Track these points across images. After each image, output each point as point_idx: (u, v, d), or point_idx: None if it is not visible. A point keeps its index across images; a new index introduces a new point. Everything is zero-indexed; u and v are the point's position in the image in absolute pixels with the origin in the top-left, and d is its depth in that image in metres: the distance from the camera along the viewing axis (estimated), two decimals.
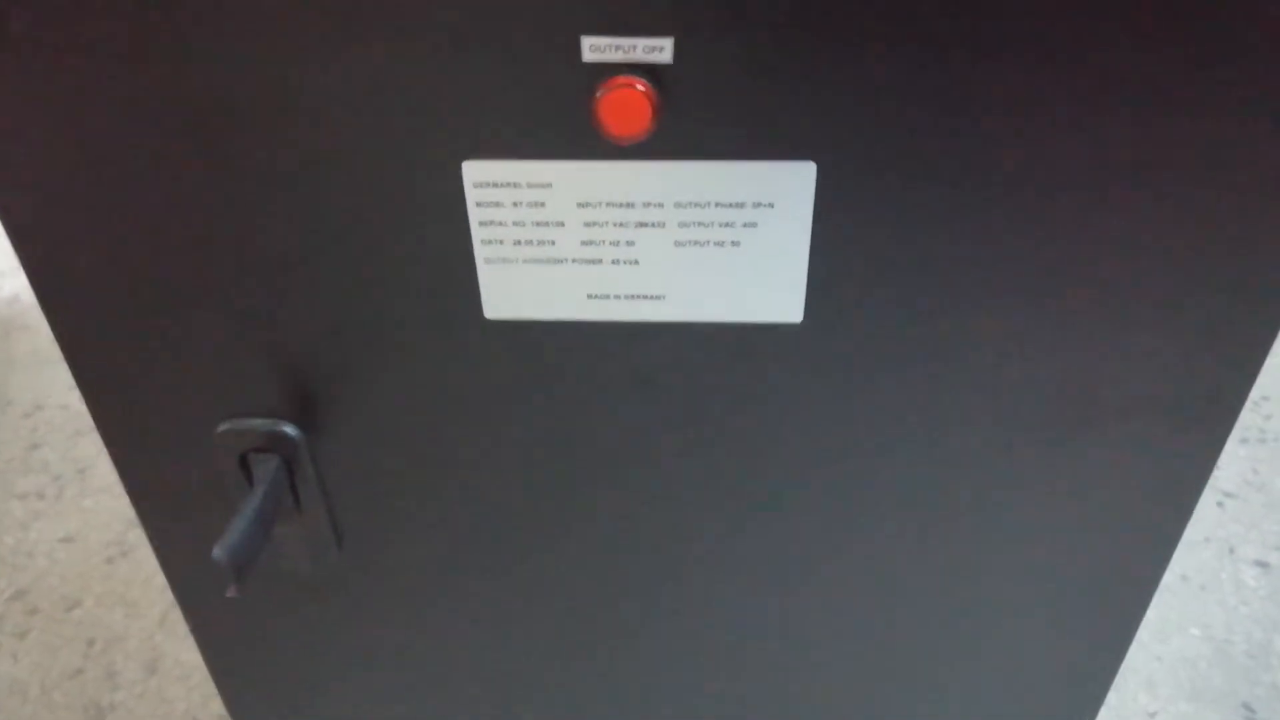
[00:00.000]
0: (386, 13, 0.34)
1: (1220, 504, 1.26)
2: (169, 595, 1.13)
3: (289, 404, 0.47)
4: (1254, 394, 1.41)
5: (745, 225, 0.39)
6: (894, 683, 0.56)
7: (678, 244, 0.39)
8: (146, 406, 0.47)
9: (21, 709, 1.02)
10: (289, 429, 0.47)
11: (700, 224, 0.39)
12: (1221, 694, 1.04)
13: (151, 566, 1.16)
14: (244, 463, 0.48)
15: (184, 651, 1.07)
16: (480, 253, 0.40)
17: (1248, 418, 1.37)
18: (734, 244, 0.39)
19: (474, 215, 0.39)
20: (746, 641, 0.54)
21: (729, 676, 0.56)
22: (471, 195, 0.39)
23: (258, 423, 0.47)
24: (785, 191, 0.38)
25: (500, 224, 0.39)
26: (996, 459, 0.45)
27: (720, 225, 0.39)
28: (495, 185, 0.38)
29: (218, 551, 0.43)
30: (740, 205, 0.38)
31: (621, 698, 0.58)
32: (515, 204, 0.39)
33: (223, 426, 0.47)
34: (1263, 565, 1.18)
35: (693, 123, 0.36)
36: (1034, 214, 0.38)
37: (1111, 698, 1.05)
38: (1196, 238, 0.38)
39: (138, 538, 1.20)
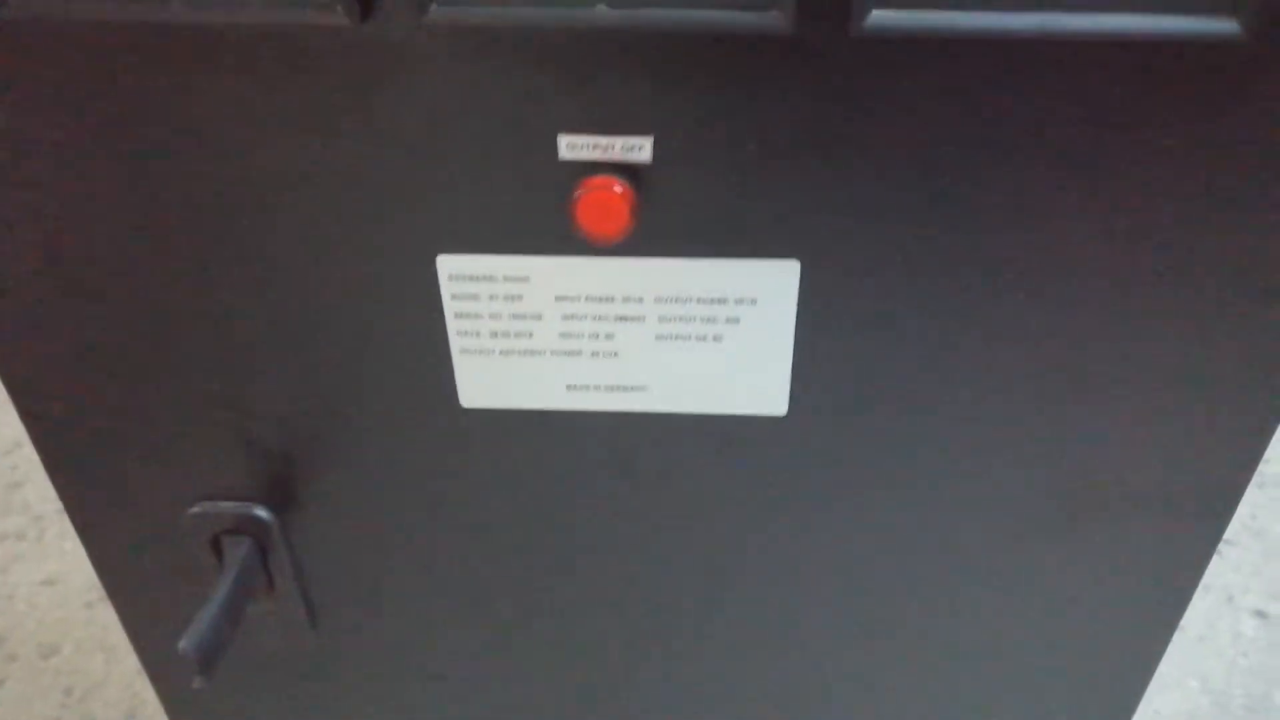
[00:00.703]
0: (363, 109, 0.33)
1: (1219, 552, 1.24)
2: None
3: (262, 487, 0.45)
4: None
5: (728, 320, 0.38)
6: None
7: (659, 338, 0.38)
8: (117, 490, 0.46)
9: None
10: (261, 511, 0.46)
11: (681, 319, 0.38)
12: None
13: None
14: (216, 544, 0.47)
15: None
16: (456, 343, 0.39)
17: None
18: (716, 339, 0.38)
19: (449, 307, 0.38)
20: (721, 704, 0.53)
21: None
22: (447, 288, 0.37)
23: (229, 506, 0.46)
24: (768, 288, 0.37)
25: (476, 316, 0.38)
26: (989, 552, 0.44)
27: (702, 320, 0.38)
28: (471, 279, 0.37)
29: (184, 644, 0.41)
30: (722, 301, 0.37)
31: None
32: (492, 297, 0.38)
33: (194, 509, 0.46)
34: (1262, 615, 1.16)
35: (673, 220, 0.35)
36: (1023, 312, 0.37)
37: None
38: (1189, 341, 0.37)
39: None
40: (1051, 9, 0.29)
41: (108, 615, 1.14)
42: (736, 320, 0.38)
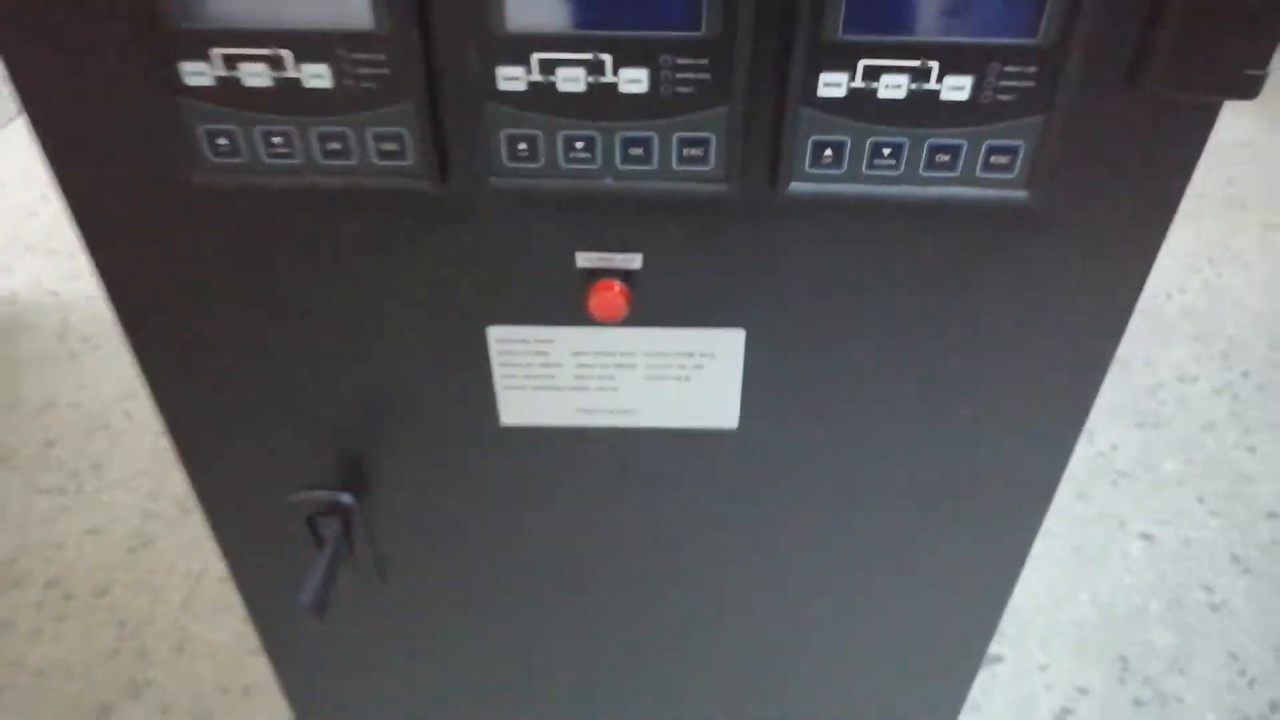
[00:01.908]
0: (442, 241, 0.48)
1: (1114, 483, 1.44)
2: (190, 581, 1.27)
3: (347, 479, 0.61)
4: (1149, 381, 1.59)
5: (695, 367, 0.53)
6: (822, 667, 0.73)
7: (646, 378, 0.54)
8: (238, 481, 0.61)
9: (69, 685, 1.16)
10: (346, 498, 0.61)
11: (662, 366, 0.53)
12: (1102, 650, 1.23)
13: (172, 556, 1.30)
14: (310, 523, 0.63)
15: (208, 631, 1.22)
16: (499, 382, 0.54)
17: (1144, 403, 1.55)
18: (687, 379, 0.54)
19: (495, 359, 0.53)
20: (700, 658, 0.70)
21: (689, 681, 0.72)
22: (494, 347, 0.53)
23: (322, 494, 0.61)
24: (723, 347, 0.52)
25: (514, 365, 0.53)
26: (882, 521, 0.61)
27: (677, 367, 0.53)
28: (512, 341, 0.52)
29: (305, 598, 0.57)
30: (691, 355, 0.53)
31: (602, 697, 0.74)
32: (526, 352, 0.53)
33: (296, 496, 0.61)
34: (1147, 538, 1.36)
35: (656, 304, 0.50)
36: (890, 370, 0.53)
37: (1011, 654, 1.23)
38: (1003, 396, 0.53)
39: (155, 529, 1.34)
40: (909, 184, 0.44)
41: (150, 559, 1.29)
42: (701, 367, 0.53)
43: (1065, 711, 1.17)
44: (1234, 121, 2.16)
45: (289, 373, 0.55)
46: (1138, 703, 1.18)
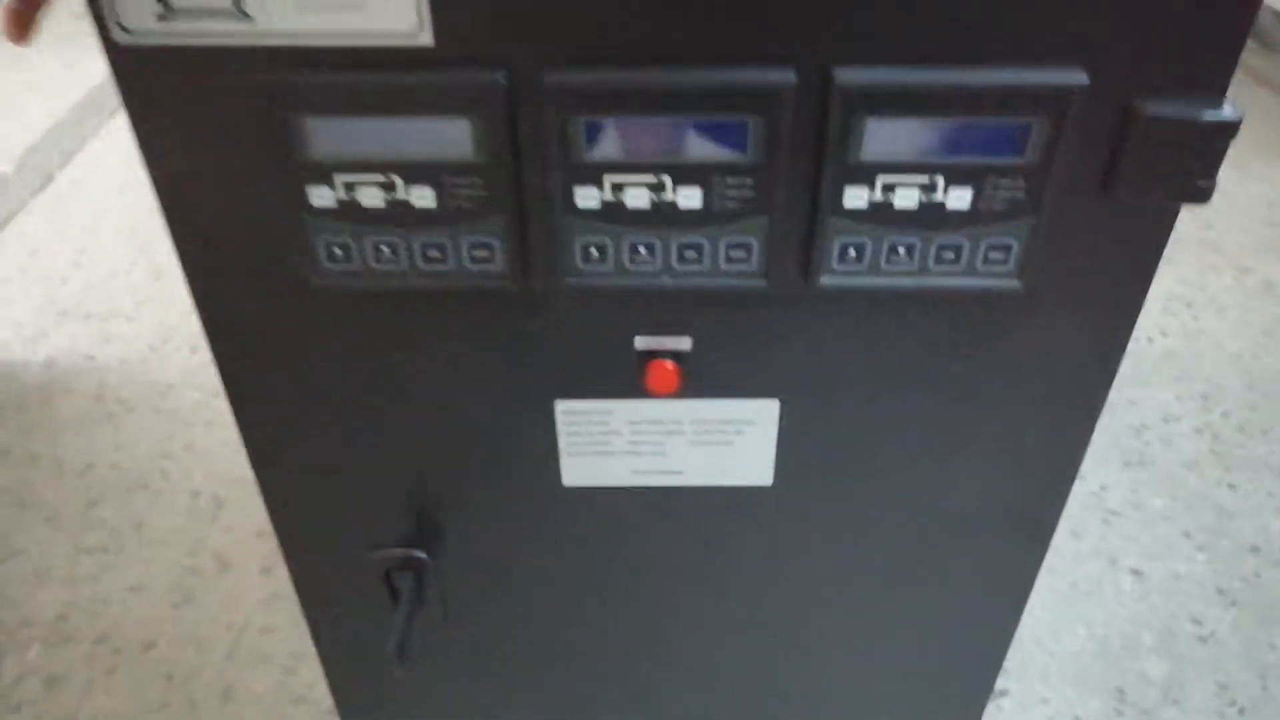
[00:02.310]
0: (522, 331, 0.56)
1: (1106, 520, 1.51)
2: (233, 634, 1.33)
3: (423, 537, 0.68)
4: (1135, 422, 1.68)
5: (735, 433, 0.61)
6: (843, 698, 0.80)
7: (691, 443, 0.62)
8: (320, 539, 0.68)
9: None
10: (420, 554, 0.69)
11: (706, 433, 0.61)
12: (1100, 681, 1.30)
13: (214, 609, 1.36)
14: (387, 577, 0.70)
15: (252, 682, 1.28)
16: (563, 448, 0.62)
17: (1130, 443, 1.64)
18: (727, 443, 0.62)
19: (561, 429, 0.61)
20: (733, 683, 0.77)
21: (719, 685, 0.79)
22: (560, 419, 0.60)
23: (398, 551, 0.68)
24: (760, 416, 0.60)
25: (577, 433, 0.61)
26: (898, 563, 0.68)
27: (719, 434, 0.61)
28: (576, 413, 0.60)
29: (390, 649, 0.64)
30: (732, 422, 0.60)
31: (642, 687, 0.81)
32: (588, 422, 0.61)
33: (375, 554, 0.68)
34: (1137, 573, 1.44)
35: (703, 379, 0.58)
36: (901, 427, 0.61)
37: (1015, 687, 1.30)
38: (1000, 440, 0.61)
39: (195, 584, 1.40)
40: (920, 276, 0.53)
41: (193, 614, 1.35)
42: (741, 433, 0.61)
43: None
44: None
45: (377, 443, 0.62)
46: None
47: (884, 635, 0.75)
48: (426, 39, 0.46)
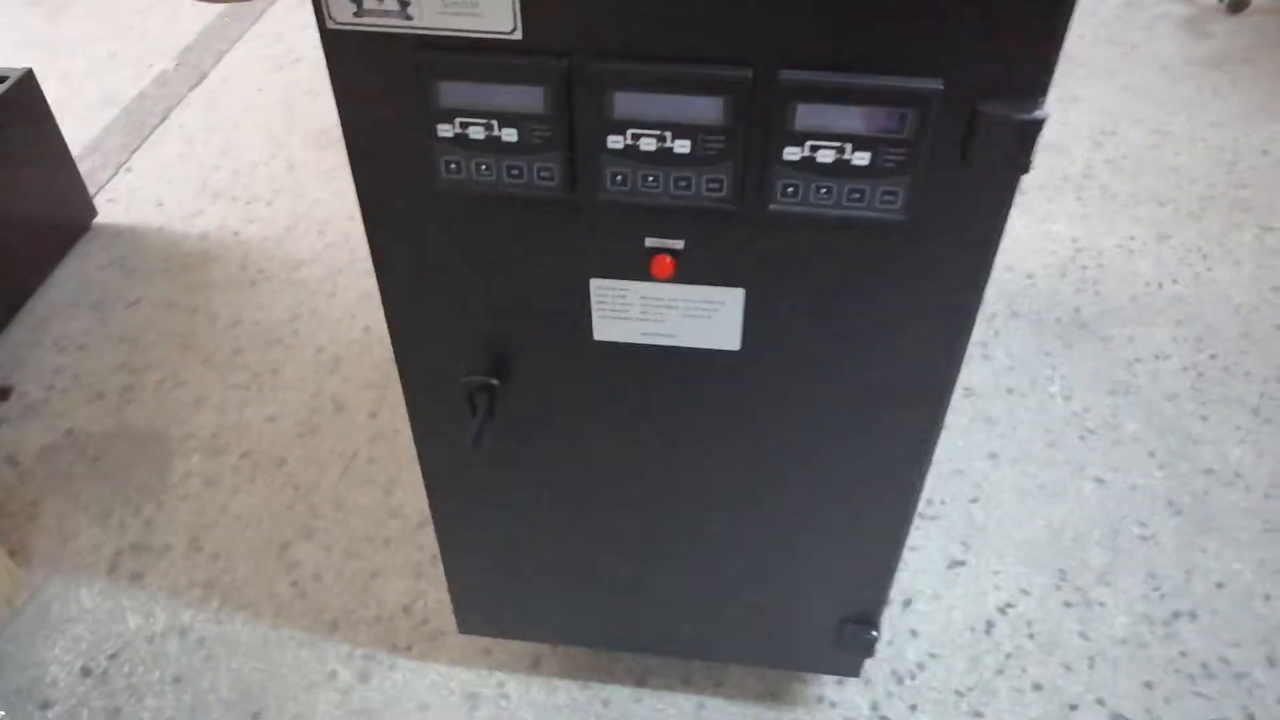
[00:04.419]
0: (570, 237, 0.83)
1: (1082, 437, 1.74)
2: (345, 460, 1.67)
3: (496, 368, 0.97)
4: (1129, 356, 1.88)
5: (713, 310, 0.88)
6: (772, 547, 1.08)
7: (682, 315, 0.89)
8: (428, 367, 0.98)
9: (260, 526, 1.57)
10: (494, 380, 0.98)
11: (692, 308, 0.88)
12: (1046, 562, 1.55)
13: (331, 440, 1.70)
14: (470, 395, 0.99)
15: (359, 497, 1.62)
16: (595, 312, 0.90)
17: (1119, 374, 1.84)
18: (708, 316, 0.89)
19: (594, 299, 0.89)
20: (708, 503, 1.06)
21: (698, 532, 1.08)
22: (594, 292, 0.88)
23: (479, 377, 0.98)
24: (730, 299, 0.87)
25: (605, 303, 0.89)
26: (831, 411, 0.95)
27: (701, 310, 0.88)
28: (605, 289, 0.88)
29: (469, 440, 0.94)
30: (711, 302, 0.87)
31: (640, 533, 1.11)
32: (612, 296, 0.88)
33: (465, 378, 0.98)
34: (1100, 481, 1.67)
35: (690, 272, 0.85)
36: (843, 318, 0.87)
37: (973, 560, 1.56)
38: (909, 337, 0.87)
39: (318, 420, 1.74)
40: (837, 209, 0.78)
41: (315, 441, 1.70)
42: (717, 310, 0.88)
43: (1008, 605, 1.50)
44: (1253, 129, 2.39)
45: (471, 301, 0.91)
46: (1067, 604, 1.50)
47: (816, 480, 1.02)
48: (519, 35, 0.73)
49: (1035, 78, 0.71)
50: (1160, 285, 2.03)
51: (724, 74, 0.73)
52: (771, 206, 0.79)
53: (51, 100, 1.99)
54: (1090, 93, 2.54)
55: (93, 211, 2.14)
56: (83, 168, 2.13)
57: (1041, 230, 2.16)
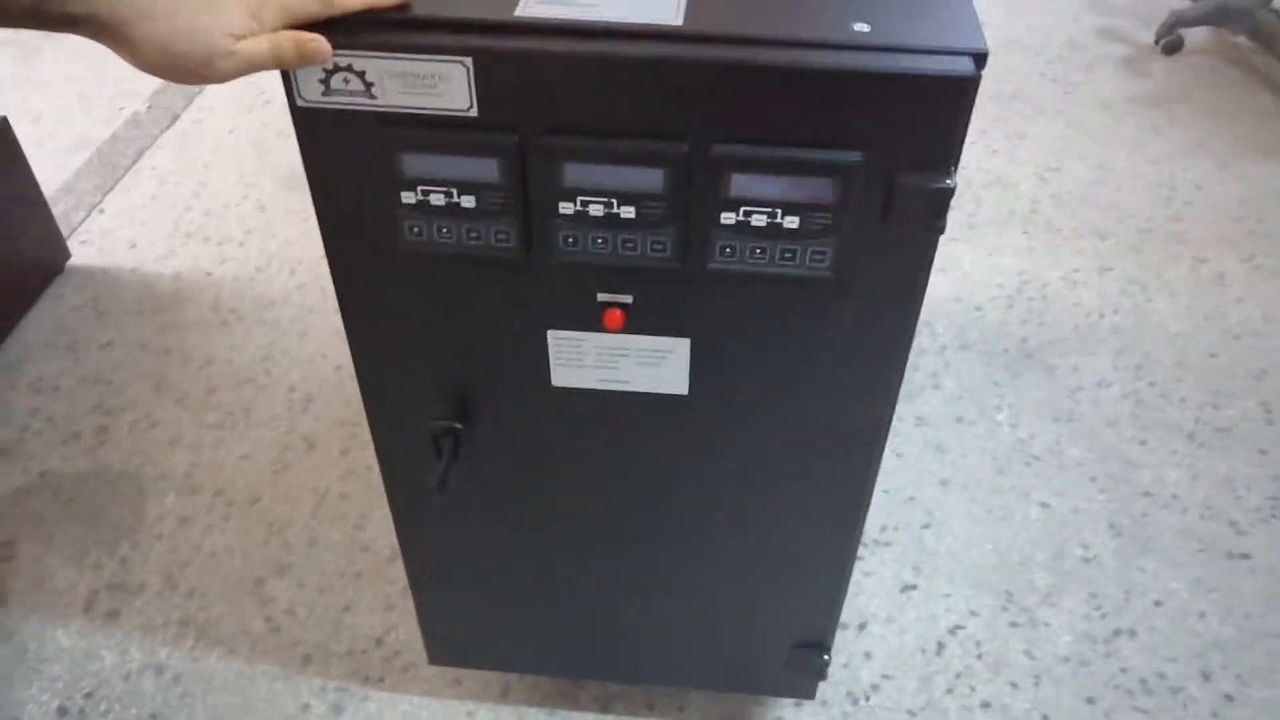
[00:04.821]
0: (524, 290, 0.90)
1: (1028, 464, 1.82)
2: (317, 497, 1.72)
3: (458, 413, 1.03)
4: (1072, 384, 1.96)
5: (661, 358, 0.95)
6: (731, 557, 1.14)
7: (634, 363, 0.95)
8: (395, 412, 1.04)
9: (234, 565, 1.62)
10: (457, 425, 1.04)
11: (643, 357, 0.95)
12: (994, 585, 1.62)
13: (304, 478, 1.75)
14: (435, 440, 1.05)
15: (331, 533, 1.66)
16: (553, 360, 0.96)
17: (1063, 402, 1.93)
18: (657, 364, 0.95)
19: (552, 349, 0.95)
20: (664, 536, 1.12)
21: (655, 550, 1.14)
22: (551, 342, 0.95)
23: (443, 421, 1.04)
24: (677, 348, 0.93)
25: (562, 352, 0.95)
26: (772, 449, 1.02)
27: (651, 357, 0.95)
28: (562, 340, 0.94)
29: (430, 482, 1.00)
30: (659, 351, 0.94)
31: (607, 548, 1.16)
32: (568, 345, 0.95)
33: (430, 424, 1.04)
34: (1044, 506, 1.75)
35: (639, 324, 0.92)
36: (779, 369, 0.93)
37: (924, 584, 1.63)
38: (833, 375, 0.94)
39: (290, 458, 1.78)
40: (771, 268, 0.85)
41: (288, 479, 1.74)
42: (665, 358, 0.95)
43: (958, 626, 1.57)
44: (1189, 165, 2.50)
45: (433, 351, 0.97)
46: (1014, 624, 1.57)
47: (764, 514, 1.08)
48: (475, 113, 0.80)
49: (944, 151, 0.79)
50: (1102, 315, 2.12)
51: (663, 148, 0.80)
52: (711, 265, 0.86)
53: (24, 142, 2.03)
54: (1036, 130, 2.64)
55: (66, 253, 2.18)
56: (56, 210, 2.17)
57: (990, 263, 2.25)
